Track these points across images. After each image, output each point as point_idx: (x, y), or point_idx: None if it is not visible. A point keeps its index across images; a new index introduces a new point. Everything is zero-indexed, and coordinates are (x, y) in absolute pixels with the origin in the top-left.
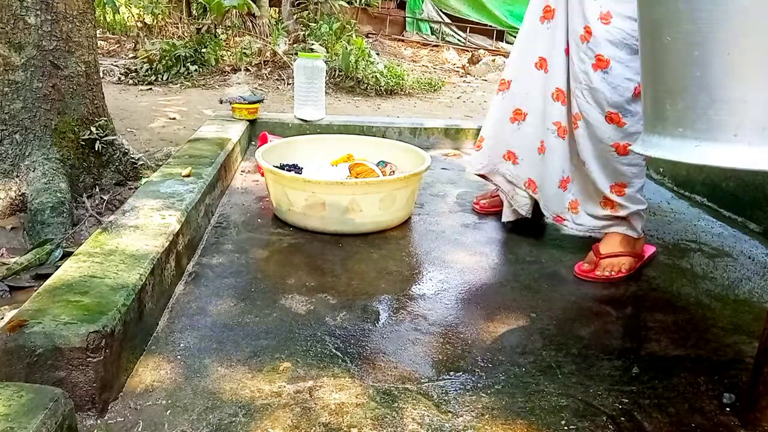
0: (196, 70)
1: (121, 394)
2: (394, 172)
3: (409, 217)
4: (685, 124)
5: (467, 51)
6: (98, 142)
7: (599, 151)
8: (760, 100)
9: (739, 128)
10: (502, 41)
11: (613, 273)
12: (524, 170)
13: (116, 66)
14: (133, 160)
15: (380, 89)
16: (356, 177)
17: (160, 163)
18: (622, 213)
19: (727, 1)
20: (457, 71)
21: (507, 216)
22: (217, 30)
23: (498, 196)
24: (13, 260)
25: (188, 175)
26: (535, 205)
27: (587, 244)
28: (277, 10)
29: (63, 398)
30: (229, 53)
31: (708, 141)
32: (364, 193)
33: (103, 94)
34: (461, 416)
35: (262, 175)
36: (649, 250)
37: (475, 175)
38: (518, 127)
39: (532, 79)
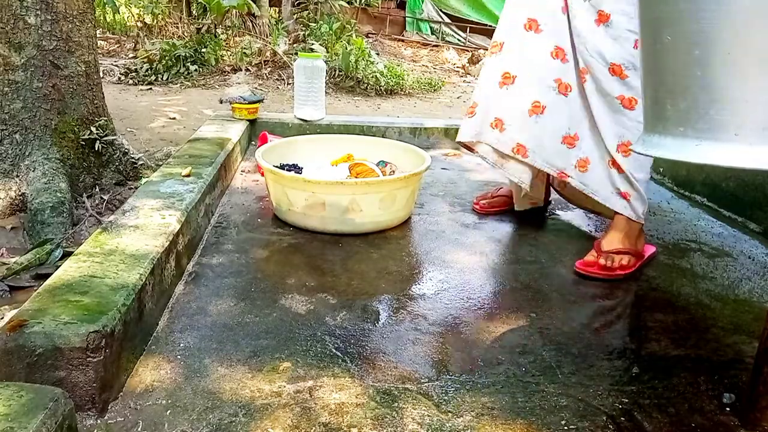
0: (196, 70)
1: (121, 393)
2: (394, 171)
3: (409, 217)
4: (686, 123)
5: (467, 51)
6: (98, 141)
7: (607, 104)
8: (761, 100)
9: (740, 128)
10: None
11: (614, 264)
12: (511, 135)
13: (116, 66)
14: (133, 160)
15: (380, 89)
16: (356, 177)
17: (160, 162)
18: (624, 185)
19: (730, 1)
20: (457, 71)
21: (520, 205)
22: (217, 30)
23: (498, 196)
24: (13, 260)
25: (188, 175)
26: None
27: (587, 244)
28: (277, 10)
29: (63, 398)
30: (229, 53)
31: (709, 140)
32: (364, 193)
33: (103, 94)
34: (461, 416)
35: (262, 174)
36: (650, 249)
37: (474, 177)
38: (507, 90)
39: (522, 42)
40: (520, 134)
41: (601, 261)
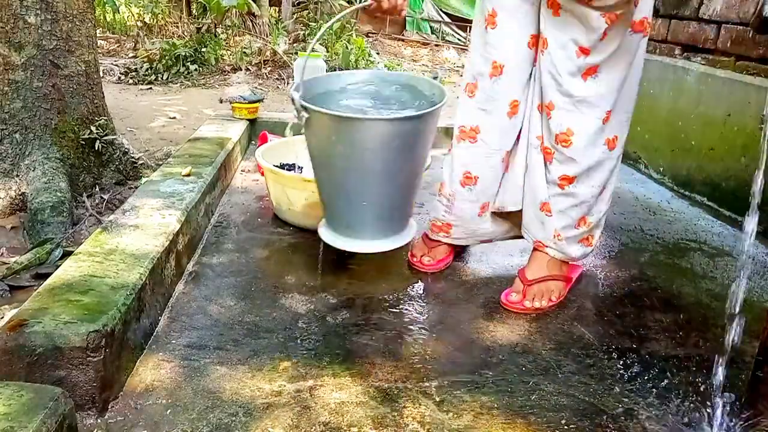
0: (196, 70)
1: (121, 393)
2: None
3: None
4: (334, 222)
5: (467, 50)
6: (98, 141)
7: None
8: (344, 213)
9: (348, 226)
10: None
11: (543, 303)
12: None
13: (116, 65)
14: (133, 160)
15: None
16: None
17: (160, 162)
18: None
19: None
20: (457, 71)
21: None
22: (217, 29)
23: (439, 245)
24: (13, 260)
25: (188, 175)
26: None
27: None
28: (277, 9)
29: (63, 397)
30: (229, 53)
31: (342, 236)
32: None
33: (103, 93)
34: (461, 415)
35: (262, 174)
36: (576, 270)
37: None
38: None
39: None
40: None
41: (527, 303)
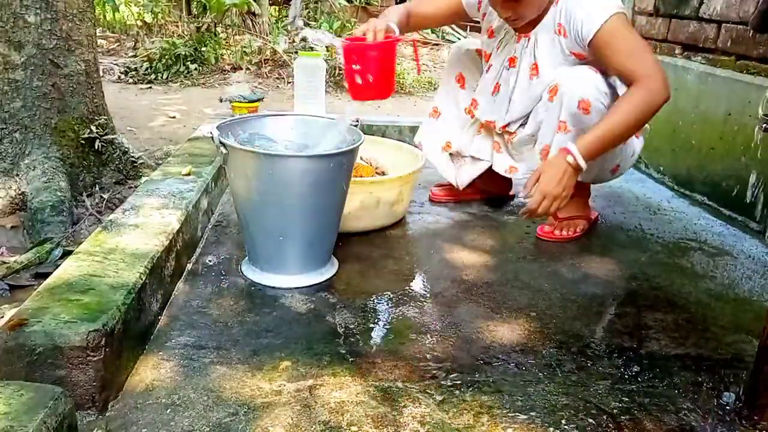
0: (196, 69)
1: (122, 392)
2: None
3: (409, 216)
4: (257, 261)
5: None
6: (98, 140)
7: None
8: (271, 254)
9: (267, 261)
10: None
11: (570, 232)
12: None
13: (116, 65)
14: (132, 159)
15: None
16: (355, 176)
17: (160, 161)
18: None
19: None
20: None
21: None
22: (217, 28)
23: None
24: (13, 259)
25: (188, 174)
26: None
27: (587, 243)
28: (277, 8)
29: (63, 397)
30: (229, 52)
31: (261, 270)
32: (364, 192)
33: (102, 92)
34: (461, 415)
35: None
36: (594, 214)
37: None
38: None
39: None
40: None
41: (556, 232)
